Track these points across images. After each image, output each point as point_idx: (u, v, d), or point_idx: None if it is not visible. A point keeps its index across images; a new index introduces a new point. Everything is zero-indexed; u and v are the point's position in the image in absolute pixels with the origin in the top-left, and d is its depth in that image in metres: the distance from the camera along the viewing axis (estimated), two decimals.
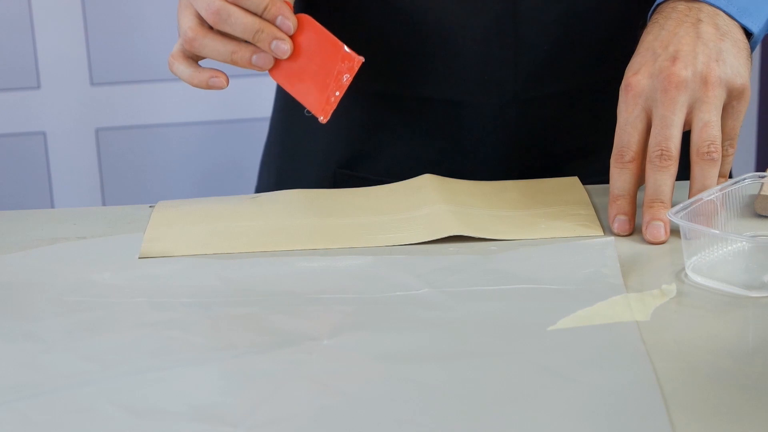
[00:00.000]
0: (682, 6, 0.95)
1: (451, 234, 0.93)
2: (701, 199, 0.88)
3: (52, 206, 2.34)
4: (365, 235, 0.95)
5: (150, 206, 1.04)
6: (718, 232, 0.87)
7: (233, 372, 0.76)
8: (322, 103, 0.95)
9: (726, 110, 0.93)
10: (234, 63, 0.96)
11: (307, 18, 0.95)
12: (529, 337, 0.77)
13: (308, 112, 0.96)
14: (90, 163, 2.35)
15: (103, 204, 2.37)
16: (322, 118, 0.95)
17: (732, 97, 0.93)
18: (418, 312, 0.82)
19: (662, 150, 0.90)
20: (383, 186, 1.04)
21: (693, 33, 0.93)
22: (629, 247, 0.90)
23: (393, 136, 1.13)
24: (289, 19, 0.95)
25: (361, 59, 0.93)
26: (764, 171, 0.95)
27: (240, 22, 0.94)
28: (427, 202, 0.99)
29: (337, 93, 0.94)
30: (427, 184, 1.02)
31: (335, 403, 0.71)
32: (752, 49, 0.96)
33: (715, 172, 0.91)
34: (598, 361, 0.74)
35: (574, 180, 1.03)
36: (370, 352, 0.77)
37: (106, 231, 0.98)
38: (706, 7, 0.95)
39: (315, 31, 0.95)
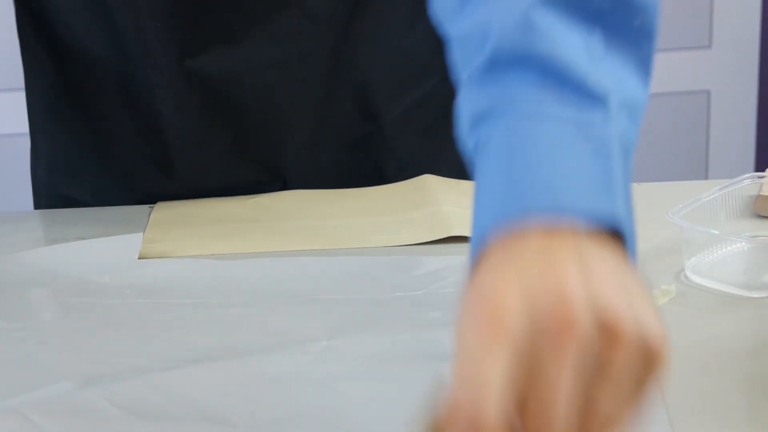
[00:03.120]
0: None
1: (451, 234, 0.93)
2: (701, 199, 0.88)
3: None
4: (365, 235, 0.95)
5: (150, 207, 1.04)
6: (717, 232, 0.87)
7: (233, 373, 0.76)
8: None
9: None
10: None
11: None
12: None
13: None
14: None
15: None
16: None
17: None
18: (418, 313, 0.82)
19: None
20: (382, 187, 1.04)
21: None
22: None
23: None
24: None
25: None
26: (763, 171, 0.95)
27: None
28: (426, 202, 0.99)
29: None
30: (426, 184, 1.02)
31: (334, 403, 0.71)
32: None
33: None
34: None
35: None
36: (369, 353, 0.77)
37: (105, 232, 0.98)
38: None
39: None
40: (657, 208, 0.95)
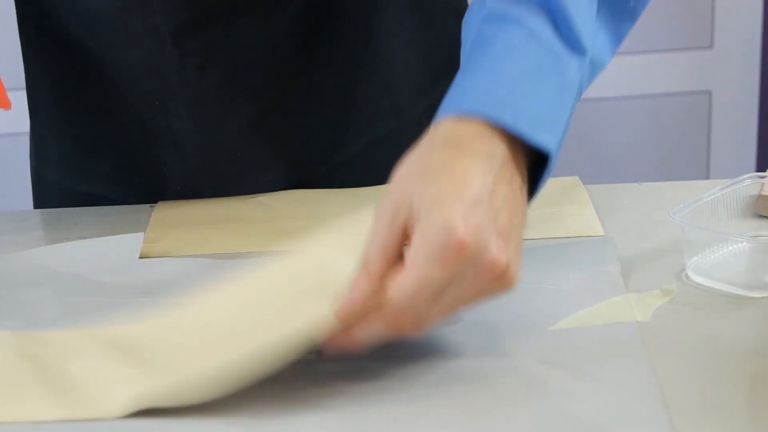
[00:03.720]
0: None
1: None
2: (702, 199, 0.88)
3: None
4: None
5: (150, 206, 1.04)
6: (718, 232, 0.87)
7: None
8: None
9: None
10: None
11: None
12: (530, 338, 0.77)
13: None
14: None
15: None
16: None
17: None
18: None
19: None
20: (385, 186, 1.04)
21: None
22: (630, 247, 0.90)
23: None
24: None
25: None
26: (764, 171, 0.95)
27: None
28: None
29: None
30: None
31: (335, 402, 0.71)
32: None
33: None
34: (598, 362, 0.74)
35: (575, 180, 1.03)
36: (369, 352, 0.77)
37: (106, 231, 0.98)
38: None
39: None
40: (658, 207, 0.95)
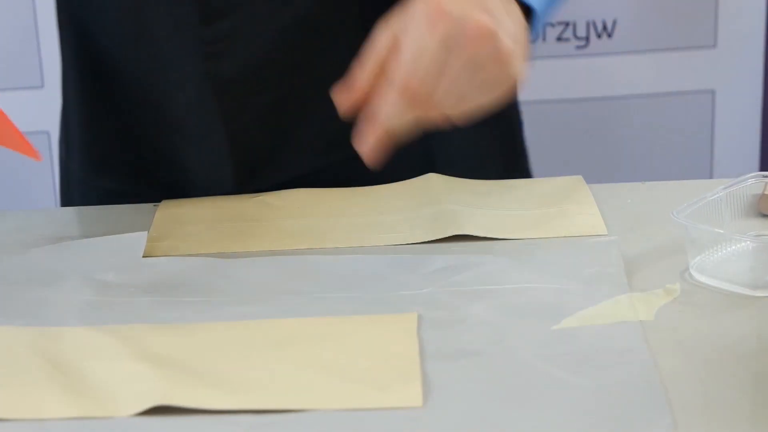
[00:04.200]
0: None
1: (456, 233, 0.93)
2: (705, 198, 0.88)
3: (57, 205, 2.34)
4: (369, 234, 0.95)
5: (154, 205, 1.04)
6: (722, 231, 0.87)
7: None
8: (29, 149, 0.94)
9: None
10: None
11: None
12: (533, 337, 0.77)
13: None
14: None
15: None
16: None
17: None
18: (422, 311, 0.82)
19: None
20: (387, 185, 1.04)
21: None
22: (633, 246, 0.90)
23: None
24: None
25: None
26: None
27: None
28: (431, 201, 0.99)
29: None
30: (431, 183, 1.02)
31: None
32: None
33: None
34: (601, 361, 0.74)
35: (579, 179, 1.03)
36: None
37: (110, 230, 0.98)
38: None
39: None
40: (661, 207, 0.95)
